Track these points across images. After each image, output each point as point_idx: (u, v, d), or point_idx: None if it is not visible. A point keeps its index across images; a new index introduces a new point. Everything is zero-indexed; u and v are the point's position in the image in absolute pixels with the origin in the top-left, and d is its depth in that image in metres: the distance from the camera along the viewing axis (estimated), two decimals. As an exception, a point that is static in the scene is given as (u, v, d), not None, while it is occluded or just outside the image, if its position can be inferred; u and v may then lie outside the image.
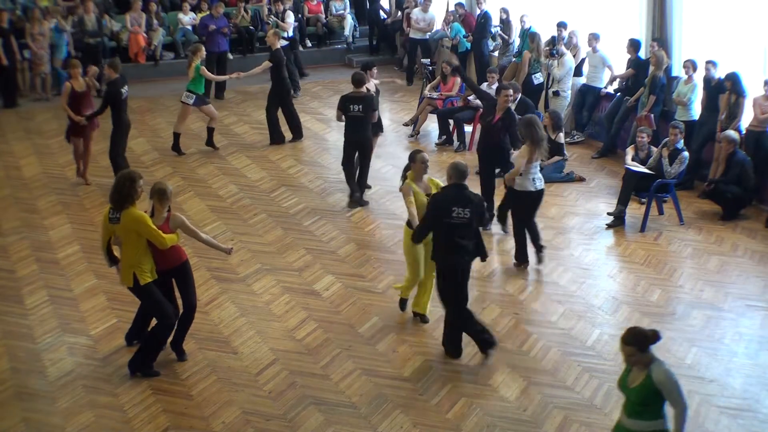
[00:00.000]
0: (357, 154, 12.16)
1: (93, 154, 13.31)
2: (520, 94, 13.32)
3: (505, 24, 16.63)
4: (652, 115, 12.95)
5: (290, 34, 18.11)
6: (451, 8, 18.05)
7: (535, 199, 10.15)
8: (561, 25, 14.79)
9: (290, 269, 10.39)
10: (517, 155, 10.27)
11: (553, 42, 14.36)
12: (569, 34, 14.68)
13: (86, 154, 13.10)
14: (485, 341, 8.36)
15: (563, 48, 14.24)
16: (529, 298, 9.68)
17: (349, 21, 20.52)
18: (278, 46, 14.71)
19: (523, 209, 10.23)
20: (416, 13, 18.33)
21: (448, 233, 8.10)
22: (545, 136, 10.32)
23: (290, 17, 18.30)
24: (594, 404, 7.70)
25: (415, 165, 8.92)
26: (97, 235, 11.29)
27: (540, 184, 10.11)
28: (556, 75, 13.99)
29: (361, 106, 11.77)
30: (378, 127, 12.85)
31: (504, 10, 16.63)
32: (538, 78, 14.90)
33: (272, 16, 18.14)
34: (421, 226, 8.41)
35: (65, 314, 9.39)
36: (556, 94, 13.97)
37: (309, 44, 20.48)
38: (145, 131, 15.74)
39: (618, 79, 14.16)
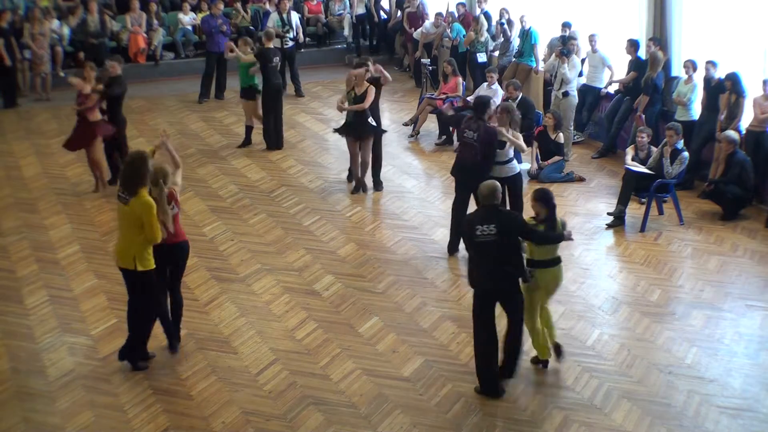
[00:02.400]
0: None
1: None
2: (521, 93, 13.30)
3: (507, 24, 16.59)
4: (644, 116, 12.96)
5: (295, 34, 18.10)
6: (452, 8, 18.06)
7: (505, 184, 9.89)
8: (565, 26, 14.77)
9: (290, 269, 10.38)
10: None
11: (563, 42, 14.32)
12: (570, 34, 14.66)
13: (99, 161, 12.67)
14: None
15: (573, 49, 14.19)
16: (529, 298, 9.67)
17: (349, 21, 20.52)
18: (270, 46, 14.71)
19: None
20: (427, 26, 18.35)
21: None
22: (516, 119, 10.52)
23: (295, 17, 18.30)
24: (594, 404, 7.69)
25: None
26: (97, 235, 11.37)
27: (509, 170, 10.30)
28: (566, 77, 13.89)
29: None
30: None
31: (505, 11, 16.62)
32: (482, 56, 16.45)
33: (288, 32, 17.95)
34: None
35: (65, 314, 9.38)
36: (566, 94, 13.93)
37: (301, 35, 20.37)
38: (145, 131, 15.73)
39: (619, 84, 14.13)
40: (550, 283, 8.07)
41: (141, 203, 7.77)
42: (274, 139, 14.57)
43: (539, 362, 8.24)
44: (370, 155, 12.47)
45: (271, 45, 14.72)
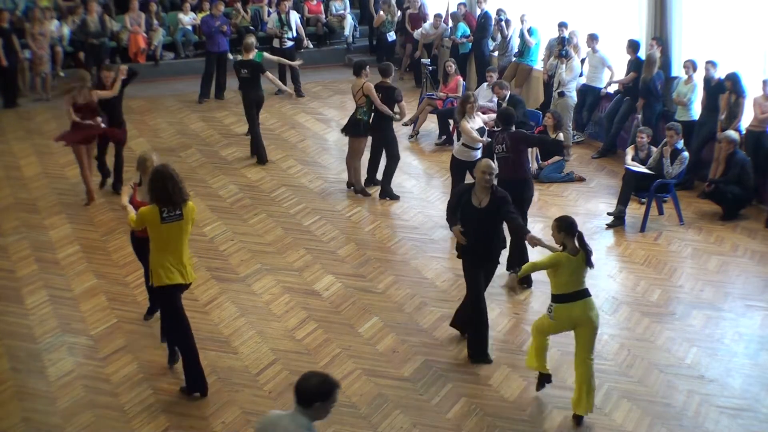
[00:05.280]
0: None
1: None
2: (508, 91, 13.25)
3: (505, 24, 16.59)
4: (639, 117, 13.01)
5: (295, 34, 18.07)
6: (452, 8, 18.05)
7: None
8: (562, 26, 14.78)
9: (290, 269, 10.39)
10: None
11: (562, 43, 14.32)
12: (570, 34, 14.65)
13: (90, 161, 12.39)
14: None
15: (572, 51, 14.18)
16: (529, 298, 9.67)
17: (349, 21, 20.51)
18: (247, 58, 13.79)
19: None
20: (426, 27, 18.35)
21: None
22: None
23: (294, 17, 18.28)
24: (594, 404, 7.68)
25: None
26: (97, 235, 11.36)
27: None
28: (564, 78, 13.87)
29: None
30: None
31: (501, 11, 16.60)
32: (392, 36, 18.68)
33: (286, 33, 17.87)
34: None
35: (65, 314, 9.38)
36: (562, 94, 13.93)
37: (310, 44, 20.45)
38: (145, 131, 15.74)
39: (619, 84, 14.12)
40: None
41: (193, 209, 7.61)
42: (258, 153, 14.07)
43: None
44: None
45: (249, 57, 13.74)
